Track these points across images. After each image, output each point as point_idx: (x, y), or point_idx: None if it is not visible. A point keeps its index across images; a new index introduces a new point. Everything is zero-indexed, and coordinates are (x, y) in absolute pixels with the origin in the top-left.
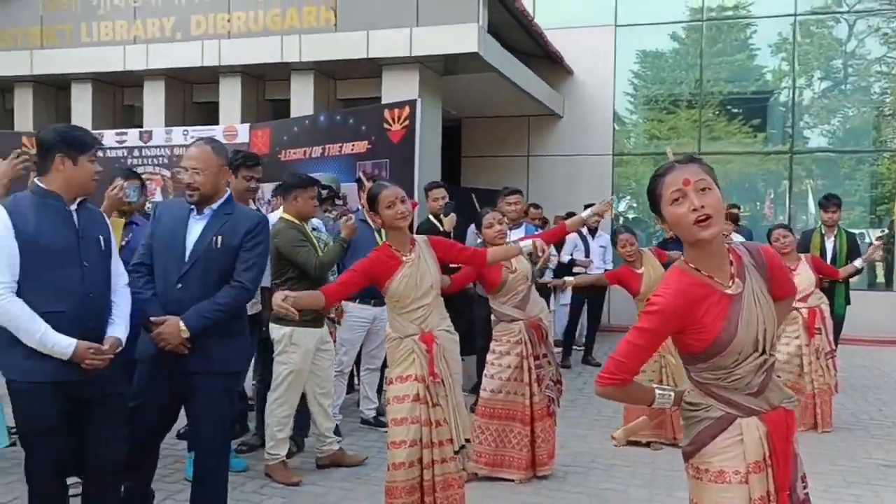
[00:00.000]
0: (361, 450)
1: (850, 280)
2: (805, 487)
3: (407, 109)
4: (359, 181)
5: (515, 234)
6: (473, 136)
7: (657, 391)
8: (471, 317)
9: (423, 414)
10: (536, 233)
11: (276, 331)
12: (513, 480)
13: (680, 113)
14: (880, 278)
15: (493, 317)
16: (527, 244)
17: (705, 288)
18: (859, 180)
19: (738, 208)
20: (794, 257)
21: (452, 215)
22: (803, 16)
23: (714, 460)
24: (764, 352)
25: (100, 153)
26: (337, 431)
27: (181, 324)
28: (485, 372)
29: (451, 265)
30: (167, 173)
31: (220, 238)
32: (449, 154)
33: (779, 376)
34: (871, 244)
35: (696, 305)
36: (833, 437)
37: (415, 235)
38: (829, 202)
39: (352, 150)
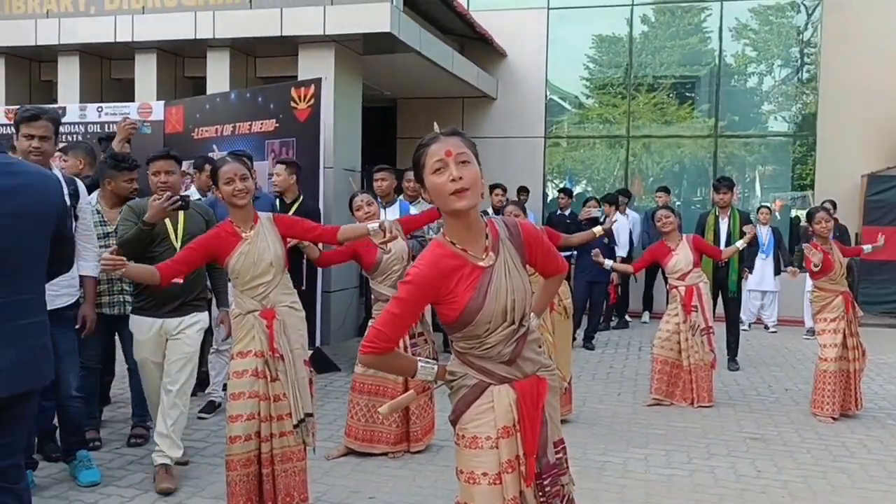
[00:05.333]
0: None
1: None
2: (559, 453)
3: (312, 88)
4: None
5: (390, 212)
6: (408, 117)
7: (420, 363)
8: None
9: (261, 389)
10: (410, 210)
11: None
12: None
13: (621, 96)
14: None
15: None
16: (373, 225)
17: (458, 260)
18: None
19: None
20: (676, 237)
21: None
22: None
23: (469, 426)
24: (514, 322)
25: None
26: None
27: None
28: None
29: None
30: None
31: None
32: (385, 135)
33: (540, 346)
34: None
35: (449, 276)
36: (711, 411)
37: (260, 212)
38: (720, 184)
39: (260, 128)
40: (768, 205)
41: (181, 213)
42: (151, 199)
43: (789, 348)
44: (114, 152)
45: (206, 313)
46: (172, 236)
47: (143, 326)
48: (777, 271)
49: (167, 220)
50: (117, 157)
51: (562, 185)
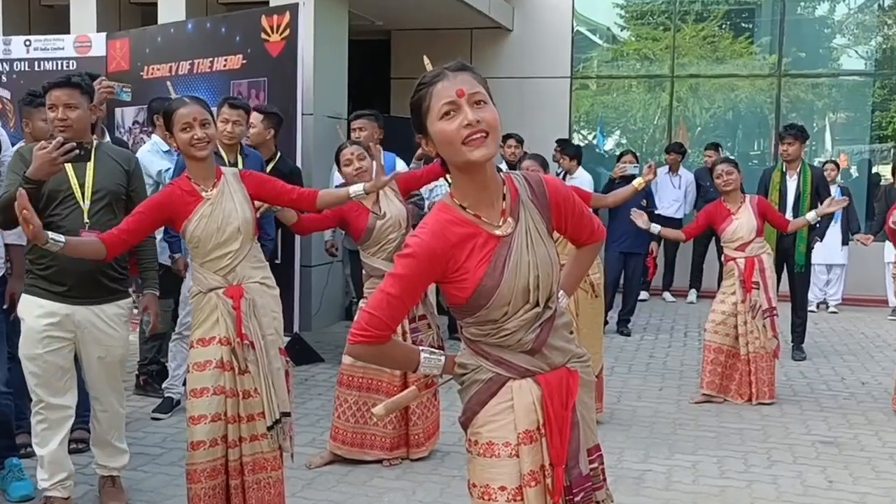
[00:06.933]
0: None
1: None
2: (594, 462)
3: (287, 16)
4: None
5: None
6: (405, 53)
7: (423, 354)
8: None
9: (227, 383)
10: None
11: None
12: None
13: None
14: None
15: None
16: (357, 188)
17: (469, 227)
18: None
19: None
20: (737, 198)
21: None
22: None
23: (483, 430)
24: (538, 303)
25: None
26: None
27: None
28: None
29: None
30: (6, 94)
31: None
32: (377, 74)
33: (571, 333)
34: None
35: (458, 248)
36: (774, 409)
37: (224, 168)
38: (787, 133)
39: (224, 65)
40: (836, 160)
41: (89, 165)
42: (36, 146)
43: (866, 333)
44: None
45: (130, 299)
46: (78, 193)
47: (38, 311)
48: (846, 240)
49: (71, 173)
50: (34, 92)
51: (593, 134)
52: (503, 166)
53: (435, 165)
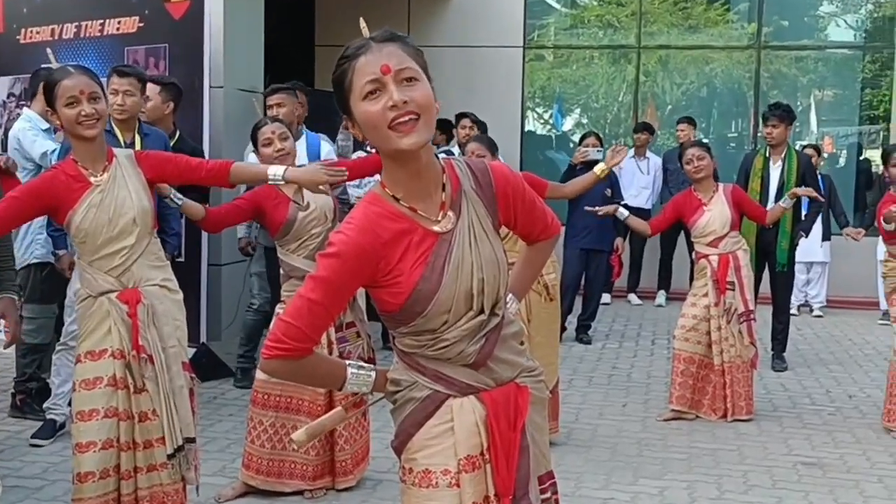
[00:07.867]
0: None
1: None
2: (546, 492)
3: None
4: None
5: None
6: (331, 18)
7: (350, 370)
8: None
9: (121, 404)
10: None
11: None
12: None
13: None
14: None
15: None
16: (276, 170)
17: (403, 222)
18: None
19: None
20: (710, 186)
21: None
22: None
23: (419, 456)
24: (482, 310)
25: None
26: None
27: None
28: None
29: None
30: None
31: None
32: (299, 41)
33: (522, 343)
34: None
35: (391, 246)
36: (751, 426)
37: (116, 149)
38: (770, 114)
39: (117, 28)
40: (817, 143)
41: None
42: None
43: (854, 339)
44: None
45: None
46: None
47: None
48: (827, 235)
49: None
50: None
51: (549, 113)
52: (455, 150)
53: (376, 156)
